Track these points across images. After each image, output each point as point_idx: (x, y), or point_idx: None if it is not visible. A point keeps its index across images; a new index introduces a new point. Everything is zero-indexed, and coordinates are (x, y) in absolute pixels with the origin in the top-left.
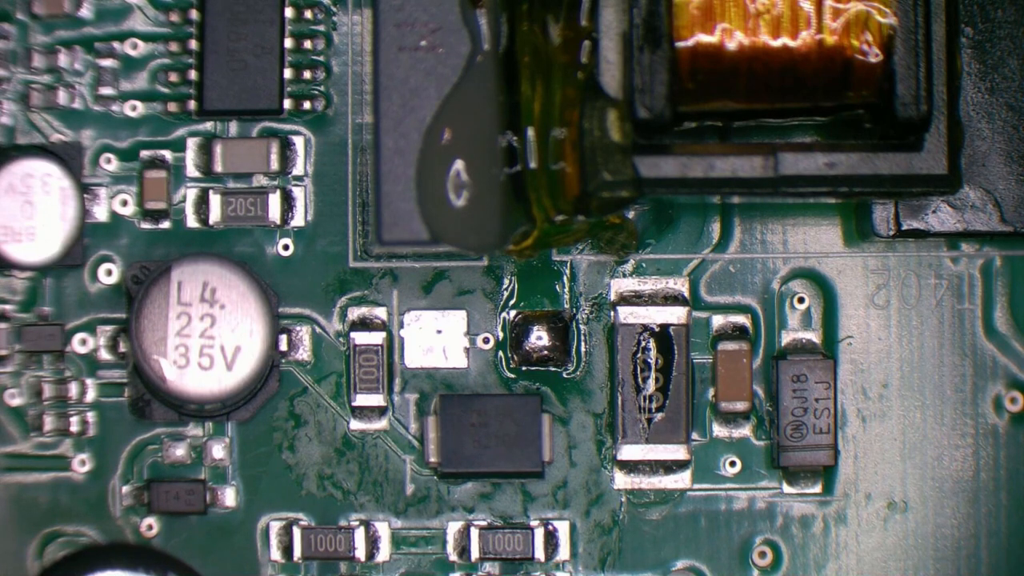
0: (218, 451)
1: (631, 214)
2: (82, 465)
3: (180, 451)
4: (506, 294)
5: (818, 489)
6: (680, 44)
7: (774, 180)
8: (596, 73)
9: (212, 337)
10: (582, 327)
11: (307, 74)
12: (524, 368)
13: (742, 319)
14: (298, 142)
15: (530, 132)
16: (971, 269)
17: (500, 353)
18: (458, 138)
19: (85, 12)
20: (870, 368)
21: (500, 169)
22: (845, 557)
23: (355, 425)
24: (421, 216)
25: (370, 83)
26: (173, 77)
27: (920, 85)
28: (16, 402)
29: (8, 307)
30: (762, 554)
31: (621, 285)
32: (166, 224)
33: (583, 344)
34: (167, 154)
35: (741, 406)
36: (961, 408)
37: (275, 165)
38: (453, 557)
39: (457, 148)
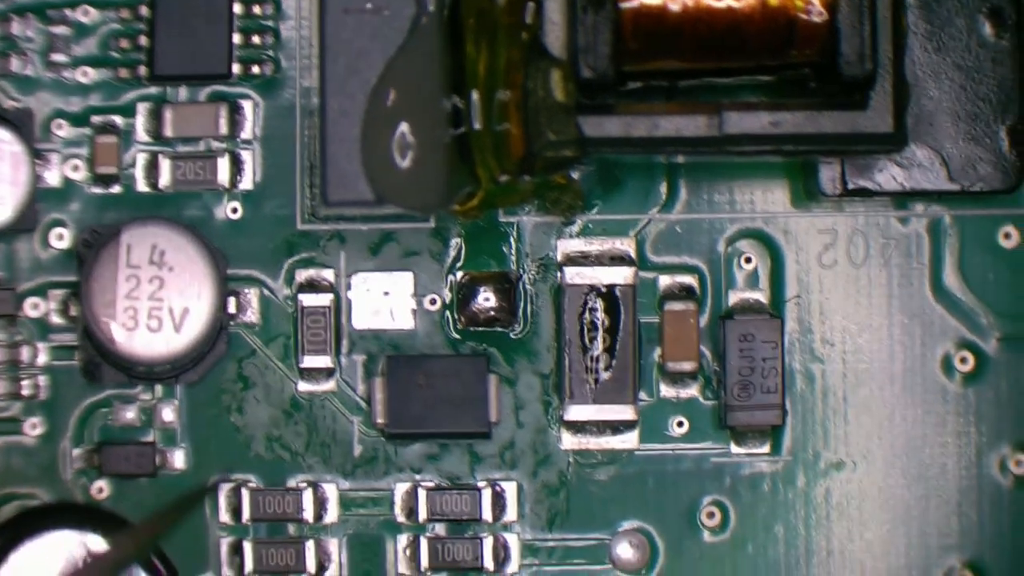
0: (168, 414)
1: (576, 174)
2: (33, 428)
3: (130, 414)
4: (453, 255)
5: (766, 449)
6: (624, 5)
7: (718, 139)
8: (540, 34)
9: (160, 299)
10: (529, 288)
11: (256, 39)
12: (471, 329)
13: (689, 279)
14: (247, 106)
15: (474, 94)
16: (919, 228)
17: (447, 314)
18: (403, 100)
19: None
20: (817, 328)
21: (445, 130)
22: (793, 517)
23: (303, 387)
24: (366, 177)
25: (316, 46)
26: (124, 43)
27: (864, 43)
28: None
29: None
30: (710, 514)
31: (568, 246)
32: (117, 189)
33: (530, 305)
34: (118, 119)
35: (688, 366)
36: (910, 368)
37: (224, 129)
38: (401, 518)
39: (402, 110)
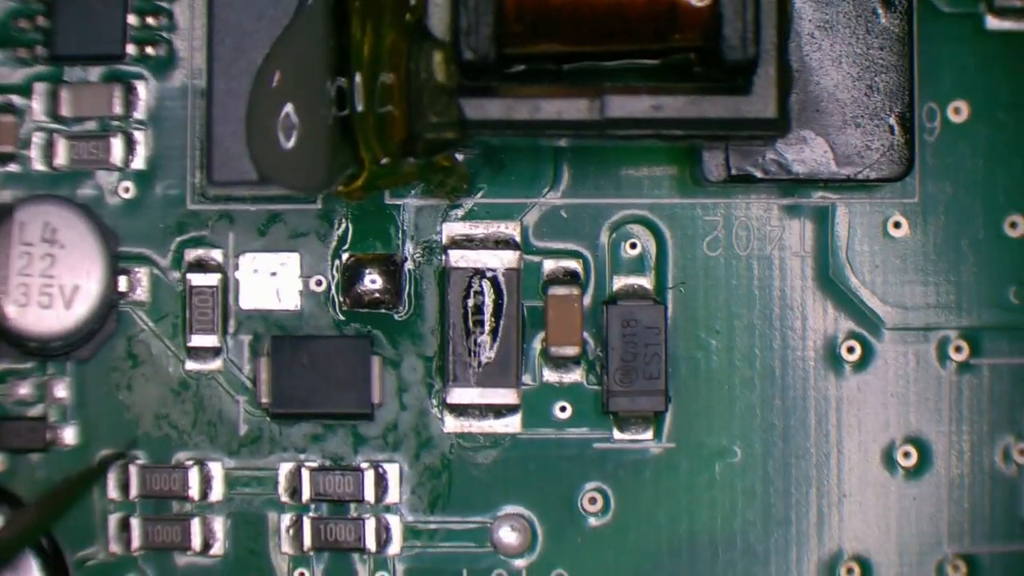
0: (60, 390)
1: (462, 158)
2: None
3: (24, 390)
4: (339, 237)
5: (649, 435)
6: None
7: (600, 123)
8: (424, 16)
9: (52, 276)
10: (414, 270)
11: (151, 20)
12: (356, 311)
13: (573, 264)
14: (140, 86)
15: (358, 76)
16: (806, 216)
17: (333, 295)
18: (288, 81)
19: None
20: (702, 315)
21: (329, 111)
22: (675, 503)
23: (190, 365)
24: (250, 157)
25: (205, 26)
26: (24, 23)
27: (747, 28)
28: None
29: None
30: (592, 500)
31: (453, 229)
32: (14, 167)
33: (415, 287)
34: (16, 99)
35: (571, 351)
36: (796, 357)
37: (118, 109)
38: (284, 498)
39: (287, 91)
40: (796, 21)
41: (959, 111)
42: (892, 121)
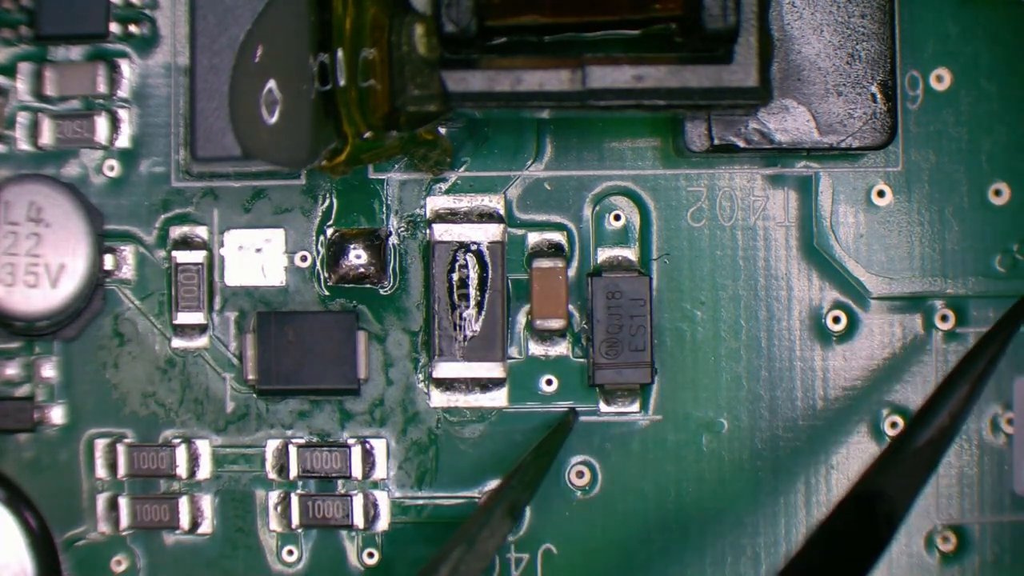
0: (47, 370)
1: (444, 131)
2: None
3: (11, 370)
4: (323, 212)
5: (635, 408)
6: None
7: (582, 93)
8: None
9: (38, 255)
10: (398, 245)
11: None
12: (341, 286)
13: (558, 236)
14: (124, 65)
15: (340, 52)
16: (788, 185)
17: (318, 271)
18: (271, 56)
19: None
20: (686, 285)
21: (312, 86)
22: (663, 476)
23: (176, 343)
24: (233, 133)
25: (187, 2)
26: (7, 3)
27: None
28: None
29: None
30: (579, 473)
31: (437, 203)
32: (0, 148)
33: (399, 262)
34: (0, 79)
35: (556, 324)
36: (781, 327)
37: (103, 88)
38: (272, 475)
39: (270, 66)
40: None
41: (941, 79)
42: (874, 89)
